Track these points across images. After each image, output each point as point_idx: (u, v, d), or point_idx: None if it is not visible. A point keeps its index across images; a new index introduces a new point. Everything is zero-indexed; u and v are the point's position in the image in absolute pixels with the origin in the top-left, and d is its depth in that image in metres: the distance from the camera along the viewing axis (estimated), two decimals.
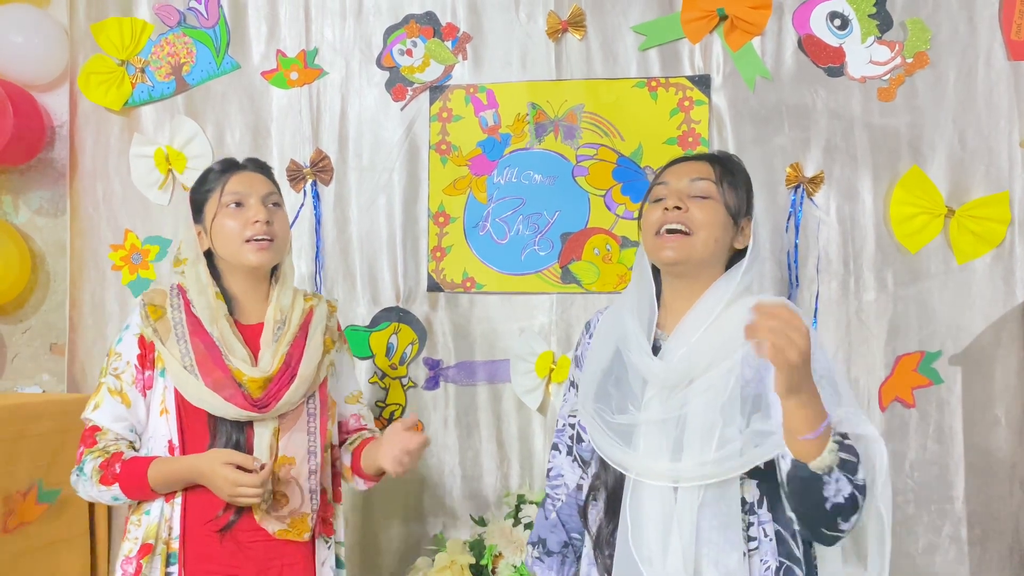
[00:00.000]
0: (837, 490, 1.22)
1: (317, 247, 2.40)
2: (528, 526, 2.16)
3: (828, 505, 1.22)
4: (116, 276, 2.48)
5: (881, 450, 1.26)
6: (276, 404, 1.60)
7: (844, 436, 1.24)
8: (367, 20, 2.40)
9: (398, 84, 2.39)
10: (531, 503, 2.20)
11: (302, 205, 2.40)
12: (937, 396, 2.16)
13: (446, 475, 2.36)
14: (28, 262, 2.52)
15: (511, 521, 2.19)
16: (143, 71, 2.46)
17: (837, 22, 2.22)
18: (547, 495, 1.60)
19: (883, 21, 2.20)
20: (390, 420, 2.37)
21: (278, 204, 1.72)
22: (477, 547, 2.19)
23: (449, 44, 2.37)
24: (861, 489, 1.23)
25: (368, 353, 2.37)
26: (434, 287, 2.37)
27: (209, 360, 1.59)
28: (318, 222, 2.40)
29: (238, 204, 1.66)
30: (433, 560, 2.20)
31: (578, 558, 1.54)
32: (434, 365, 2.37)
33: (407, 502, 2.37)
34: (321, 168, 2.40)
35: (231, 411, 1.57)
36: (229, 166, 1.72)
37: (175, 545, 1.59)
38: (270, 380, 1.60)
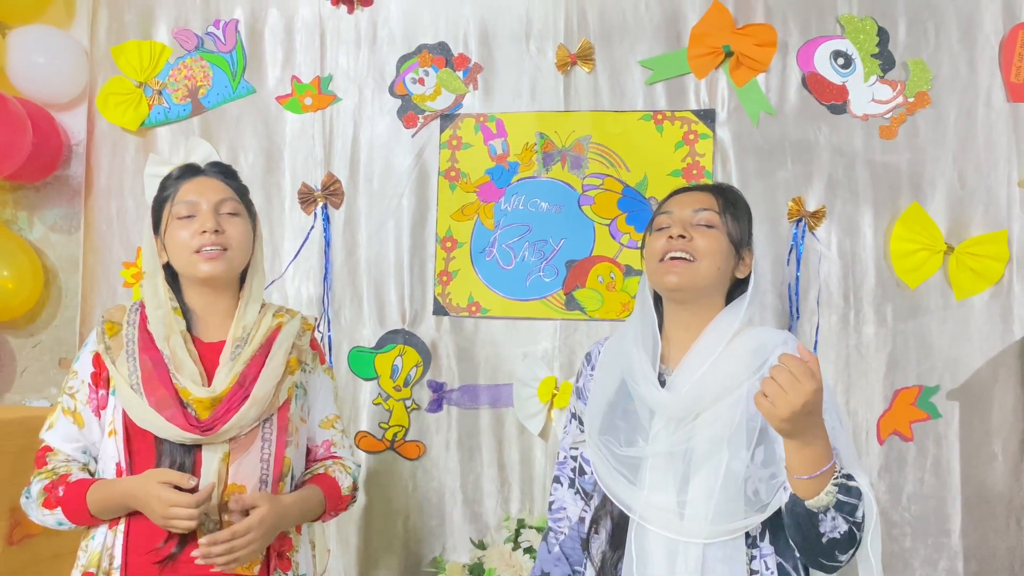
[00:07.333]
0: (833, 527, 1.24)
1: (326, 269, 2.43)
2: (528, 550, 2.17)
3: (824, 539, 1.25)
4: (127, 293, 2.52)
5: (870, 503, 1.26)
6: (222, 427, 1.45)
7: (849, 477, 1.25)
8: (381, 49, 2.46)
9: (409, 112, 2.44)
10: (531, 527, 2.22)
11: (312, 227, 2.44)
12: (935, 430, 2.18)
13: (447, 498, 2.38)
14: (41, 277, 2.55)
15: (511, 545, 2.21)
16: (160, 93, 2.52)
17: (840, 61, 2.26)
18: (549, 528, 1.59)
19: (885, 61, 2.24)
20: (393, 441, 2.39)
21: (235, 212, 1.57)
22: (476, 570, 2.20)
23: (460, 74, 2.42)
24: (859, 526, 1.25)
25: (373, 374, 2.40)
26: (440, 311, 2.40)
27: (155, 378, 1.48)
28: (327, 244, 2.44)
29: (190, 214, 1.54)
30: None
31: None
32: (438, 388, 2.40)
33: (407, 524, 2.39)
34: (332, 192, 2.45)
35: (172, 432, 1.44)
36: (185, 172, 1.60)
37: None
38: (219, 400, 1.47)
